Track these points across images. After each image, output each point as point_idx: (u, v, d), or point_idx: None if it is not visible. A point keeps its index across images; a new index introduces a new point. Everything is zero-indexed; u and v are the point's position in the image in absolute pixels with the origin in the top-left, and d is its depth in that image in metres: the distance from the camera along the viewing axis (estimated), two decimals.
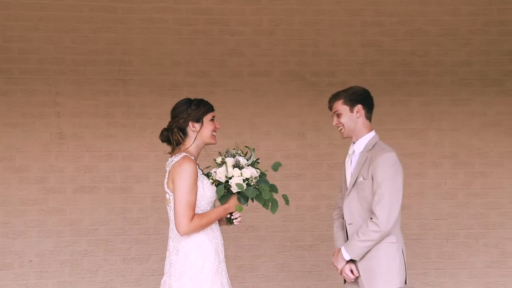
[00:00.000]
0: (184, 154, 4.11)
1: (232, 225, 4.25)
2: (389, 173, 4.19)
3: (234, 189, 4.07)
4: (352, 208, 4.31)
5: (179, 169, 4.03)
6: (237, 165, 4.09)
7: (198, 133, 4.17)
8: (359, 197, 4.27)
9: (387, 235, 4.19)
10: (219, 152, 4.15)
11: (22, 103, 6.27)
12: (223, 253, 4.20)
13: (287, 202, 4.16)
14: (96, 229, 6.36)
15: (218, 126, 4.23)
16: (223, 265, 4.18)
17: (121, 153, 6.40)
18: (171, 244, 4.18)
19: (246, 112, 6.54)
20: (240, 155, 4.14)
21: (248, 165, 4.11)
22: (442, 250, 6.71)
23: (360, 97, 4.35)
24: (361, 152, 4.33)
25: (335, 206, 6.51)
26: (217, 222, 4.21)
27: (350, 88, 4.40)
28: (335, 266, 4.36)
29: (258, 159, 4.19)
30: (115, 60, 6.39)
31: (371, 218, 4.16)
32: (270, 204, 4.13)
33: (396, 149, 6.55)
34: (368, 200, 4.22)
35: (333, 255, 4.39)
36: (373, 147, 4.31)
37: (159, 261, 6.32)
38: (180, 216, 4.04)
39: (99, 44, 6.37)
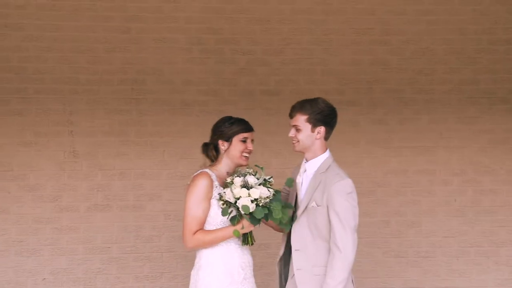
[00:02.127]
0: (203, 170, 4.17)
1: (249, 245, 4.21)
2: (348, 201, 4.01)
3: (242, 210, 4.01)
4: (302, 234, 4.10)
5: (191, 183, 4.13)
6: (245, 185, 4.04)
7: (226, 152, 4.22)
8: (309, 223, 4.08)
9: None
10: (227, 173, 4.18)
11: (37, 122, 6.35)
12: (243, 275, 4.17)
13: (284, 220, 4.05)
14: (109, 247, 6.40)
15: (250, 148, 4.22)
16: (241, 286, 4.15)
17: (134, 172, 6.46)
18: None
19: (257, 131, 6.43)
20: (251, 175, 4.10)
21: (258, 185, 4.05)
22: (452, 268, 6.73)
23: (325, 118, 4.12)
24: (314, 173, 4.13)
25: None
26: (238, 242, 4.19)
27: (317, 103, 4.13)
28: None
29: (270, 177, 4.13)
30: (128, 80, 6.48)
31: (334, 254, 3.95)
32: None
33: (405, 167, 6.74)
34: (320, 227, 4.04)
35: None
36: (327, 169, 4.11)
37: (172, 279, 6.39)
38: (183, 228, 4.14)
39: (113, 64, 6.46)
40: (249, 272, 4.21)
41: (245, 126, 4.27)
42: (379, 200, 6.73)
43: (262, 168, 4.11)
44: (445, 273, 6.73)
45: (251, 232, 4.16)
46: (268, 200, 4.02)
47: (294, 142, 4.16)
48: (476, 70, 6.83)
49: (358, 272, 6.52)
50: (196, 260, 4.20)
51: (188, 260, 6.33)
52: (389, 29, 6.79)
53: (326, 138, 4.20)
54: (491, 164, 6.81)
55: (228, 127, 4.24)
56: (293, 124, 4.15)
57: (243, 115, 6.38)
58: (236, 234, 4.06)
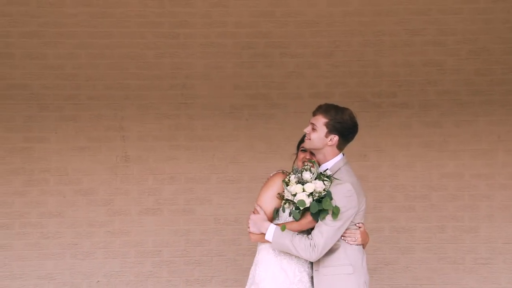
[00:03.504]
0: (279, 170, 4.30)
1: None
2: (342, 204, 4.06)
3: (299, 205, 4.07)
4: None
5: (266, 181, 4.30)
6: (300, 181, 4.10)
7: (297, 161, 4.36)
8: None
9: (340, 265, 4.09)
10: (282, 171, 4.24)
11: (89, 127, 6.48)
12: (299, 277, 4.17)
13: (335, 216, 4.05)
14: (160, 251, 6.46)
15: (308, 157, 4.27)
16: (296, 287, 4.15)
17: (184, 176, 6.51)
18: None
19: None
20: (307, 170, 4.14)
21: (314, 179, 4.09)
22: None
23: (344, 130, 4.16)
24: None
25: (398, 228, 6.51)
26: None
27: (342, 113, 4.19)
28: (250, 224, 4.20)
29: (326, 169, 4.16)
30: (177, 84, 6.54)
31: (311, 239, 4.06)
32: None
33: (462, 170, 6.54)
34: None
35: (257, 216, 4.19)
36: (335, 173, 4.16)
37: (221, 283, 6.40)
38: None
39: (163, 69, 6.53)
40: (305, 277, 4.18)
41: (303, 137, 4.37)
42: (434, 205, 6.57)
43: (314, 162, 4.16)
44: (506, 280, 6.50)
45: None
46: (324, 192, 4.06)
47: (306, 138, 4.23)
48: None
49: (413, 278, 6.47)
50: (255, 256, 4.31)
51: (237, 265, 6.38)
52: (444, 29, 6.63)
53: (339, 148, 4.23)
54: None
55: (299, 141, 4.41)
56: (312, 122, 4.22)
57: (292, 119, 6.46)
58: (283, 228, 4.11)
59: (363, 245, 4.25)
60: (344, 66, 6.60)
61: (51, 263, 6.37)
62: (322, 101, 6.41)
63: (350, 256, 4.12)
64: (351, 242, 4.13)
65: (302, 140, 4.35)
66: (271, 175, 4.30)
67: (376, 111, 6.54)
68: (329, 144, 4.16)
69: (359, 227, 4.19)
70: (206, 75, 6.55)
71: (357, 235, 4.16)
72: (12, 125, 6.41)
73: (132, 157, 6.49)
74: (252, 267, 4.32)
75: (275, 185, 4.21)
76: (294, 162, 4.39)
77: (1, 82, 6.42)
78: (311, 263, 4.19)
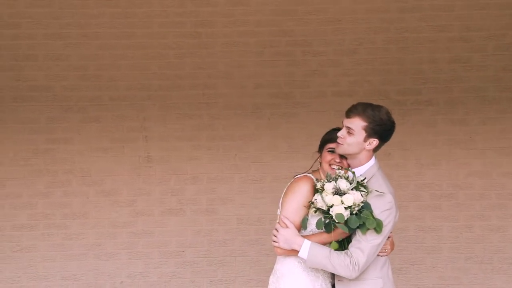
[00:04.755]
0: (306, 174, 4.01)
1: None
2: (380, 217, 3.77)
3: (337, 219, 3.75)
4: None
5: (291, 185, 3.97)
6: (337, 192, 3.79)
7: (321, 162, 4.05)
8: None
9: (370, 279, 3.85)
10: (316, 179, 3.94)
11: (112, 128, 6.48)
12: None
13: (379, 230, 3.77)
14: (183, 251, 6.45)
15: (338, 160, 3.96)
16: None
17: (206, 176, 6.48)
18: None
19: None
20: (342, 178, 3.81)
21: (351, 189, 3.78)
22: None
23: (383, 132, 3.85)
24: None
25: (424, 228, 6.41)
26: None
27: (380, 112, 3.84)
28: (275, 236, 3.86)
29: (364, 179, 3.82)
30: (199, 84, 6.51)
31: (351, 256, 3.77)
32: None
33: (489, 169, 6.43)
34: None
35: (288, 230, 3.85)
36: (369, 179, 3.86)
37: (245, 284, 6.36)
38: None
39: (184, 69, 6.51)
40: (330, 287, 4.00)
41: (329, 136, 4.04)
42: (461, 204, 6.47)
43: (353, 172, 3.84)
44: None
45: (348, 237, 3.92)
46: (362, 204, 3.76)
47: (340, 143, 3.89)
48: None
49: (439, 278, 6.37)
50: (277, 267, 4.03)
51: (261, 265, 6.34)
52: (469, 25, 6.52)
53: (375, 150, 3.95)
54: None
55: (322, 138, 4.09)
56: (347, 125, 3.86)
57: (315, 117, 6.40)
58: (334, 246, 3.83)
59: None
60: (368, 63, 6.52)
61: (75, 264, 6.39)
62: (346, 100, 6.42)
63: (379, 269, 3.88)
64: (381, 254, 3.89)
65: (328, 139, 4.01)
66: (294, 178, 3.99)
67: (400, 109, 6.44)
68: (367, 148, 3.85)
69: (389, 237, 3.94)
70: (228, 75, 6.52)
71: (387, 247, 3.93)
72: (36, 126, 6.44)
73: (154, 157, 6.48)
74: (273, 278, 4.04)
75: (302, 194, 3.89)
76: (316, 162, 4.08)
77: (25, 83, 6.45)
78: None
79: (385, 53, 6.53)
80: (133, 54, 6.50)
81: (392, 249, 4.01)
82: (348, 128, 3.85)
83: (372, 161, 3.91)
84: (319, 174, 4.04)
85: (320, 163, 4.06)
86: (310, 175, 4.00)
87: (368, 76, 6.52)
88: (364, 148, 3.86)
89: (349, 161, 3.93)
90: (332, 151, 3.97)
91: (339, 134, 3.89)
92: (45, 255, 6.39)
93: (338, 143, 3.91)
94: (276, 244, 3.89)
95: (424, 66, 6.52)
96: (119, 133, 6.48)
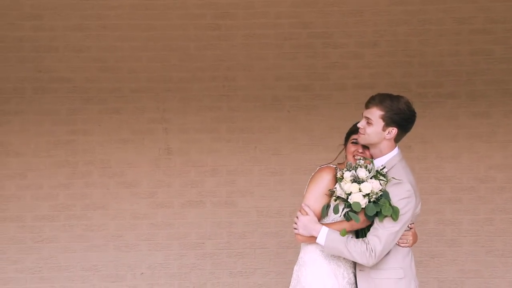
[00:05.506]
0: (329, 164, 4.10)
1: None
2: (399, 206, 3.84)
3: (353, 207, 3.85)
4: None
5: (315, 175, 4.08)
6: (356, 180, 3.88)
7: (347, 154, 4.14)
8: None
9: (390, 269, 3.91)
10: (336, 167, 4.04)
11: (132, 120, 6.50)
12: (347, 279, 4.03)
13: (395, 217, 3.84)
14: (203, 243, 6.46)
15: (360, 151, 4.07)
16: None
17: (225, 168, 6.48)
18: None
19: (350, 125, 6.42)
20: (362, 167, 3.92)
21: (370, 178, 3.87)
22: None
23: (402, 121, 3.94)
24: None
25: (444, 221, 6.39)
26: None
27: (398, 102, 3.95)
28: (297, 224, 3.97)
29: (383, 167, 3.93)
30: (219, 76, 6.51)
31: (368, 243, 3.85)
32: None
33: (510, 162, 6.38)
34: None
35: (307, 217, 3.96)
36: (390, 169, 3.94)
37: (264, 275, 6.39)
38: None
39: (204, 61, 6.50)
40: (352, 279, 4.05)
41: (355, 127, 4.13)
42: (482, 197, 6.44)
43: (371, 160, 3.95)
44: None
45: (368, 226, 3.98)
46: (381, 193, 3.85)
47: (361, 133, 4.00)
48: None
49: (460, 272, 6.35)
50: (300, 255, 4.12)
51: (280, 258, 6.36)
52: (493, 17, 6.46)
53: (397, 140, 4.03)
54: None
55: (348, 130, 4.20)
56: (366, 115, 3.99)
57: (335, 110, 6.38)
58: (343, 233, 3.91)
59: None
60: (389, 56, 6.47)
61: (95, 255, 6.43)
62: (366, 92, 6.31)
63: (401, 259, 3.94)
64: (403, 245, 3.96)
65: (352, 131, 4.12)
66: (318, 168, 4.10)
67: (421, 102, 6.37)
68: (387, 137, 3.94)
69: (410, 228, 4.01)
70: (247, 67, 6.50)
71: (409, 238, 3.98)
72: (56, 118, 6.47)
73: (174, 149, 6.49)
74: (296, 267, 4.14)
75: (323, 182, 4.00)
76: (340, 154, 4.19)
77: (45, 75, 6.48)
78: (354, 262, 4.01)
79: (407, 45, 6.48)
80: (153, 46, 6.49)
81: (414, 241, 4.05)
82: (367, 118, 3.98)
83: (394, 151, 3.99)
84: (345, 166, 4.11)
85: (346, 156, 4.16)
86: (333, 165, 4.10)
87: (389, 68, 6.48)
88: (384, 138, 3.95)
89: (371, 151, 4.03)
90: (355, 142, 4.08)
91: (359, 125, 4.01)
92: (66, 246, 6.43)
93: (359, 133, 4.02)
94: (296, 231, 4.00)
95: (446, 59, 6.47)
96: (139, 125, 6.49)
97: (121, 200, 6.48)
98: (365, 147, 4.06)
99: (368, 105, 4.00)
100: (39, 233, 6.43)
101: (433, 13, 6.47)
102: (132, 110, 6.50)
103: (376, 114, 3.95)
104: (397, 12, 6.47)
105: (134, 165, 6.49)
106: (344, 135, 4.25)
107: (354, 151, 4.08)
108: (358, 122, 4.10)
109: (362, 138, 4.00)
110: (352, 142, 4.10)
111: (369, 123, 3.96)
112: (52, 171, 6.45)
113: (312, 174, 4.12)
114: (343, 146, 4.20)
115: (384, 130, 3.95)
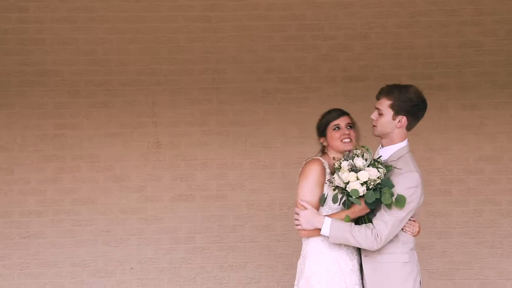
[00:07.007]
0: (315, 157, 4.12)
1: None
2: (406, 194, 3.92)
3: (352, 195, 3.90)
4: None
5: (303, 169, 4.10)
6: (353, 169, 3.92)
7: (328, 146, 4.15)
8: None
9: (397, 253, 4.00)
10: (334, 157, 4.07)
11: (121, 113, 6.44)
12: (350, 266, 4.06)
13: (399, 205, 3.90)
14: (193, 237, 6.43)
15: (347, 133, 4.10)
16: (348, 277, 4.05)
17: (216, 161, 6.45)
18: None
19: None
20: (359, 156, 3.96)
21: (368, 166, 3.92)
22: None
23: (411, 108, 4.03)
24: (385, 160, 4.05)
25: (434, 213, 6.40)
26: None
27: (407, 91, 4.03)
28: (297, 220, 4.04)
29: (380, 156, 4.02)
30: (209, 69, 6.47)
31: (373, 228, 3.93)
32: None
33: (501, 154, 6.41)
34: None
35: (307, 211, 4.03)
36: (398, 159, 4.03)
37: (255, 269, 6.37)
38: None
39: (194, 53, 6.46)
40: (356, 266, 4.09)
41: (332, 114, 4.17)
42: (472, 189, 6.47)
43: (367, 148, 4.00)
44: None
45: (368, 213, 4.03)
46: (379, 181, 3.90)
47: (374, 125, 4.10)
48: None
49: (450, 263, 6.37)
50: (302, 248, 4.15)
51: (271, 251, 6.35)
52: (481, 9, 6.49)
53: (408, 128, 4.11)
54: None
55: (319, 123, 4.19)
56: (377, 107, 4.09)
57: (325, 102, 6.35)
58: (346, 219, 3.96)
59: None
60: (379, 48, 6.48)
61: (84, 250, 6.37)
62: (356, 84, 6.45)
63: (406, 245, 4.03)
64: (409, 233, 4.04)
65: (329, 119, 4.11)
66: (304, 163, 4.11)
67: None
68: (398, 126, 4.03)
69: (414, 221, 4.09)
70: (237, 59, 6.47)
71: (415, 228, 4.08)
72: (44, 111, 6.39)
73: (163, 143, 6.44)
74: (300, 260, 4.16)
75: (314, 175, 4.03)
76: (321, 146, 4.17)
77: (33, 68, 6.39)
78: (359, 249, 4.08)
79: (396, 38, 6.50)
80: (142, 38, 6.44)
81: (419, 231, 4.14)
82: (378, 109, 4.08)
83: (404, 143, 4.08)
84: (328, 157, 4.15)
85: (329, 145, 4.15)
86: (319, 157, 4.13)
87: (379, 60, 6.49)
88: (396, 127, 4.04)
89: (383, 141, 4.11)
90: (338, 127, 4.10)
91: (372, 116, 4.10)
92: (54, 241, 6.36)
93: (373, 125, 4.11)
94: (299, 227, 4.06)
95: (435, 51, 6.49)
96: (128, 119, 6.44)
97: (110, 194, 6.42)
98: (350, 127, 4.12)
99: (378, 96, 4.10)
100: (26, 228, 6.35)
101: (422, 5, 6.48)
102: (121, 104, 6.44)
103: (385, 104, 4.05)
104: (386, 4, 6.49)
105: (123, 159, 6.43)
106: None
107: (340, 136, 4.10)
108: (331, 110, 4.18)
109: (376, 130, 4.10)
110: (334, 129, 4.11)
111: (380, 114, 4.06)
112: (39, 166, 6.38)
113: (300, 169, 4.14)
114: (322, 139, 4.18)
115: (394, 119, 4.04)
